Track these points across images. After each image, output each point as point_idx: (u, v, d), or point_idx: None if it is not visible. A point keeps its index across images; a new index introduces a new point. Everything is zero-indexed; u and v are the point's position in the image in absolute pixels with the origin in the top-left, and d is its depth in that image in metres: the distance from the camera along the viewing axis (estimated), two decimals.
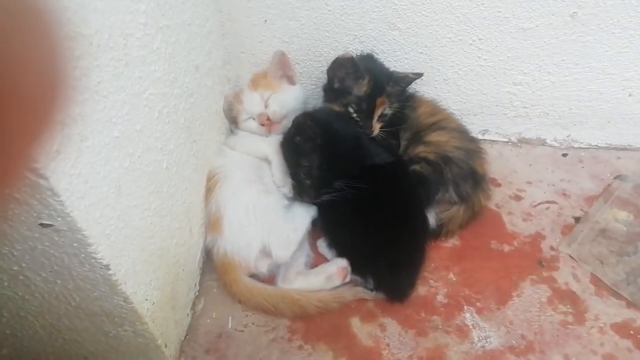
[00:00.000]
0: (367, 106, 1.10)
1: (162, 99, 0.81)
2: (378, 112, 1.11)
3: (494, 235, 1.20)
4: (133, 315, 0.74)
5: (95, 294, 0.69)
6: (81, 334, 0.79)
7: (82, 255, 0.61)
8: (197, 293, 1.06)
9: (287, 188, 1.09)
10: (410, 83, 1.17)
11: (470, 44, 1.15)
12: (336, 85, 1.12)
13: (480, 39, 1.14)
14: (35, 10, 0.22)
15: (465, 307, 1.06)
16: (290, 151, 1.04)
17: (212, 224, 1.06)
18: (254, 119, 1.16)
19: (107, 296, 0.69)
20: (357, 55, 1.13)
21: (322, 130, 0.99)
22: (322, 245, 1.14)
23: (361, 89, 1.10)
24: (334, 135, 1.02)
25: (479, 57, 1.18)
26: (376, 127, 1.11)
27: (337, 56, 1.10)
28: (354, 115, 1.10)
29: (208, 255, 1.10)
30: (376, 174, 1.03)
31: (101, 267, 0.63)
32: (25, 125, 0.23)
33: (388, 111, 1.13)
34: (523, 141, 1.37)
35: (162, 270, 0.84)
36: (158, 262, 0.82)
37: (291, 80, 1.21)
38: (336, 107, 1.12)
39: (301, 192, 1.03)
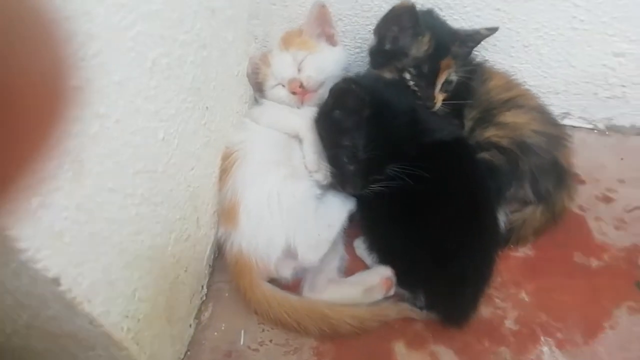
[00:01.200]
0: (429, 70, 0.86)
1: (159, 44, 0.59)
2: (442, 78, 0.87)
3: (578, 245, 0.95)
4: (105, 339, 0.53)
5: (49, 313, 0.48)
6: (43, 356, 0.59)
7: (14, 265, 0.40)
8: (203, 298, 0.85)
9: (320, 174, 0.86)
10: (480, 41, 0.93)
11: None
12: (387, 45, 0.89)
13: None
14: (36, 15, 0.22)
15: (542, 338, 0.82)
16: (328, 128, 0.81)
17: (227, 213, 0.85)
18: (283, 85, 0.94)
19: (64, 317, 0.49)
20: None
21: (370, 100, 0.76)
22: (360, 246, 0.91)
23: (421, 48, 0.86)
24: (384, 105, 0.79)
25: (574, 17, 0.91)
26: (439, 99, 0.87)
27: (392, 7, 0.86)
28: (411, 82, 0.87)
29: (220, 251, 0.89)
30: (437, 156, 0.80)
31: (46, 282, 0.42)
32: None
33: (453, 77, 0.89)
34: (613, 129, 1.11)
35: (154, 274, 0.63)
36: (147, 265, 0.61)
37: (331, 40, 0.97)
38: (388, 74, 0.88)
39: (343, 180, 0.81)
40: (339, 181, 0.81)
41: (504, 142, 0.89)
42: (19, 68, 0.21)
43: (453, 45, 0.89)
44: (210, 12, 0.75)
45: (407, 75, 0.86)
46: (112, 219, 0.53)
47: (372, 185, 0.78)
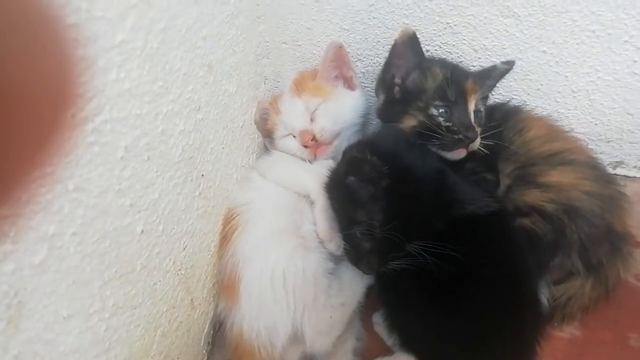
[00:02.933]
0: (456, 94, 0.73)
1: (135, 125, 0.49)
2: (472, 103, 0.74)
3: (634, 324, 0.81)
4: None
5: None
6: None
7: None
8: None
9: (334, 243, 0.75)
10: (499, 77, 0.81)
11: (626, 41, 0.76)
12: (398, 94, 0.77)
13: None
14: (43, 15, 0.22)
15: None
16: (341, 198, 0.70)
17: (227, 287, 0.75)
18: (294, 136, 0.83)
19: None
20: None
21: (389, 167, 0.64)
22: (378, 322, 0.80)
23: (436, 77, 0.74)
24: (407, 172, 0.66)
25: (635, 61, 0.78)
26: (477, 130, 0.74)
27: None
28: (441, 118, 0.73)
29: (222, 324, 0.79)
30: (468, 231, 0.68)
31: None
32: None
33: (481, 107, 0.76)
34: None
35: None
36: None
37: (349, 84, 0.86)
38: (411, 121, 0.76)
39: (357, 259, 0.69)
40: (353, 259, 0.70)
41: (549, 208, 0.76)
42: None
43: (468, 75, 0.77)
44: (207, 68, 0.65)
45: (435, 111, 0.73)
46: (70, 350, 0.43)
47: (391, 264, 0.67)
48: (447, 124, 0.73)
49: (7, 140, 0.22)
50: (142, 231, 0.53)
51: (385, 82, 0.79)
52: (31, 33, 0.22)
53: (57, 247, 0.40)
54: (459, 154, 0.77)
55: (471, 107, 0.75)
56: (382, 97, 0.80)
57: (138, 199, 0.52)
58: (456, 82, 0.74)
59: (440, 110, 0.74)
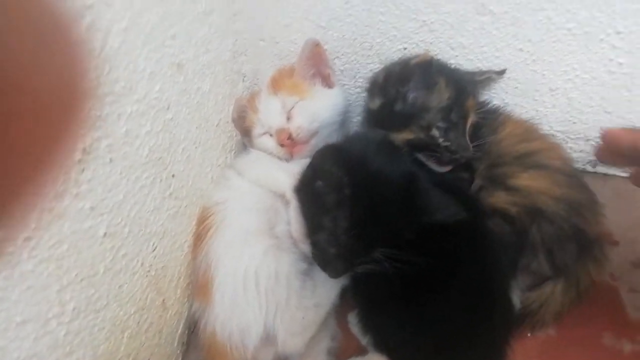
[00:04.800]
0: (458, 117, 0.74)
1: (94, 126, 0.48)
2: (470, 120, 0.75)
3: (608, 323, 0.81)
4: None
5: None
6: None
7: None
8: None
9: (307, 245, 0.74)
10: (487, 85, 0.82)
11: (602, 39, 0.75)
12: (399, 106, 0.75)
13: (618, 33, 0.74)
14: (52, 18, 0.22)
15: None
16: (308, 202, 0.69)
17: (200, 287, 0.74)
18: (271, 135, 0.83)
19: None
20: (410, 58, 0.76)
21: (353, 174, 0.63)
22: (354, 322, 0.80)
23: (442, 97, 0.73)
24: (372, 179, 0.65)
25: (612, 59, 0.77)
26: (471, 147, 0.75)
27: (402, 60, 0.74)
28: (441, 139, 0.74)
29: (197, 325, 0.79)
30: (438, 238, 0.67)
31: None
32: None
33: (474, 118, 0.77)
34: None
35: None
36: None
37: (327, 81, 0.86)
38: (409, 136, 0.75)
39: (324, 263, 0.69)
40: (319, 263, 0.69)
41: (512, 211, 0.76)
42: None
43: (469, 84, 0.77)
44: (176, 67, 0.64)
45: (437, 133, 0.74)
46: (26, 356, 0.43)
47: (358, 268, 0.66)
48: (446, 144, 0.74)
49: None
50: (105, 234, 0.52)
51: (385, 91, 0.78)
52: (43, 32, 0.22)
53: (7, 253, 0.39)
54: (446, 168, 0.77)
55: (469, 124, 0.76)
56: (377, 102, 0.79)
57: (100, 202, 0.51)
58: (460, 101, 0.74)
59: (441, 133, 0.74)
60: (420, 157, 0.77)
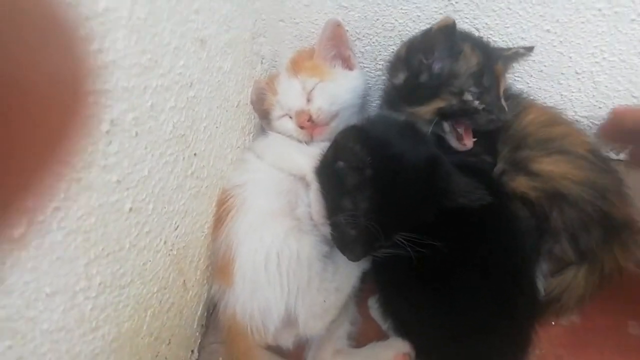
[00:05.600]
0: (490, 80, 0.73)
1: (122, 98, 0.47)
2: (502, 85, 0.75)
3: (634, 312, 0.80)
4: None
5: None
6: None
7: None
8: None
9: (328, 226, 0.73)
10: (514, 61, 0.81)
11: (633, 19, 0.73)
12: (424, 77, 0.74)
13: None
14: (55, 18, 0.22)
15: None
16: (329, 183, 0.68)
17: (221, 269, 0.74)
18: (290, 117, 0.81)
19: None
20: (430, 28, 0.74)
21: (376, 155, 0.62)
22: (374, 307, 0.79)
23: (470, 62, 0.72)
24: (395, 161, 0.64)
25: None
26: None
27: (422, 32, 0.72)
28: (476, 102, 0.73)
29: (215, 307, 0.78)
30: (461, 223, 0.66)
31: None
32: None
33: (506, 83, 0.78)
34: None
35: None
36: (111, 359, 0.51)
37: (348, 63, 0.84)
38: (440, 104, 0.74)
39: (343, 245, 0.67)
40: (338, 245, 0.68)
41: (531, 195, 0.74)
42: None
43: (495, 51, 0.77)
44: (199, 43, 0.63)
45: (470, 97, 0.73)
46: (55, 328, 0.42)
47: (378, 252, 0.65)
48: (482, 106, 0.73)
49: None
50: (131, 209, 0.52)
51: (409, 64, 0.76)
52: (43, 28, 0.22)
53: (37, 221, 0.39)
54: (465, 145, 0.76)
55: (502, 88, 0.75)
56: (401, 77, 0.78)
57: (126, 175, 0.50)
58: (489, 64, 0.73)
59: (475, 96, 0.73)
60: (445, 131, 0.76)
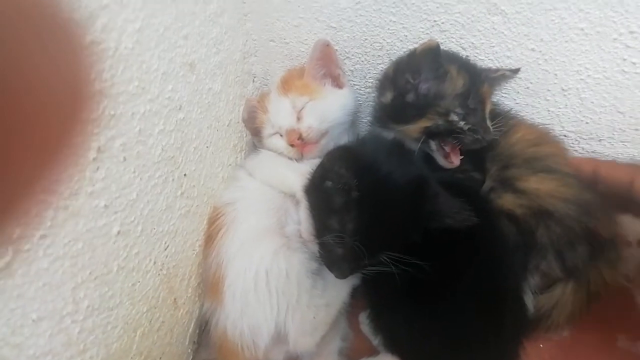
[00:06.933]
0: (476, 102, 0.75)
1: (108, 126, 0.49)
2: (488, 107, 0.76)
3: (623, 326, 0.81)
4: None
5: None
6: None
7: None
8: None
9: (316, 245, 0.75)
10: (501, 82, 0.82)
11: (615, 39, 0.74)
12: (411, 97, 0.75)
13: (631, 32, 0.73)
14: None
15: None
16: (317, 202, 0.69)
17: (211, 287, 0.75)
18: (281, 135, 0.83)
19: None
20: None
21: (362, 177, 0.63)
22: (365, 322, 0.80)
23: (457, 84, 0.73)
24: (381, 183, 0.65)
25: (625, 59, 0.76)
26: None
27: (407, 52, 0.74)
28: (461, 123, 0.74)
29: (207, 324, 0.79)
30: (449, 241, 0.67)
31: None
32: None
33: (492, 106, 0.79)
34: None
35: None
36: None
37: (337, 82, 0.86)
38: (426, 124, 0.75)
39: (330, 264, 0.69)
40: (326, 264, 0.69)
41: (518, 212, 0.75)
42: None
43: (482, 72, 0.78)
44: (188, 67, 0.64)
45: (455, 117, 0.74)
46: (42, 353, 0.43)
47: (366, 270, 0.66)
48: (468, 126, 0.75)
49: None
50: (119, 232, 0.53)
51: (396, 83, 0.78)
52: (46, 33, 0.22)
53: (23, 250, 0.40)
54: (452, 163, 0.77)
55: (487, 109, 0.77)
56: (389, 96, 0.79)
57: (114, 200, 0.51)
58: (475, 87, 0.75)
59: (460, 117, 0.75)
60: (432, 149, 0.77)
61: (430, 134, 0.77)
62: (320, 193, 0.67)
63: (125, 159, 0.52)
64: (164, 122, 0.60)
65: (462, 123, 0.74)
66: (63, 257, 0.45)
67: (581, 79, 0.81)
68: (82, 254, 0.47)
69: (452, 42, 0.81)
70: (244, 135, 0.89)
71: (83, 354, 0.49)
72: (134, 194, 0.55)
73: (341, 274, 0.67)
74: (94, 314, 0.50)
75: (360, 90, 0.92)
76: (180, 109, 0.63)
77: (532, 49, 0.79)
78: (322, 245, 0.68)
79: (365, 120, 0.95)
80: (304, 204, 0.76)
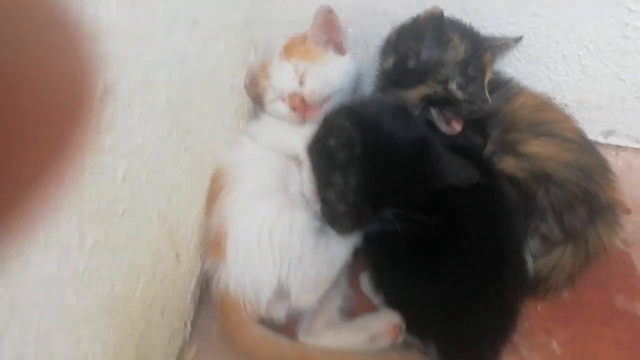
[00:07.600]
0: (476, 70, 0.75)
1: (114, 65, 0.49)
2: (488, 75, 0.77)
3: (621, 287, 0.82)
4: None
5: None
6: None
7: None
8: (186, 338, 0.77)
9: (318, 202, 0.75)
10: (503, 51, 0.83)
11: (618, 3, 0.75)
12: (412, 62, 0.76)
13: None
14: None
15: None
16: (320, 160, 0.70)
17: (214, 245, 0.76)
18: (283, 99, 0.83)
19: None
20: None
21: (366, 133, 0.64)
22: (365, 282, 0.81)
23: (458, 51, 0.74)
24: (385, 140, 0.66)
25: (628, 23, 0.77)
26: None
27: (411, 18, 0.74)
28: (459, 92, 0.75)
29: (209, 283, 0.80)
30: (450, 201, 0.68)
31: None
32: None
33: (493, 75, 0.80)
34: None
35: (115, 327, 0.55)
36: (104, 319, 0.53)
37: (339, 49, 0.86)
38: (425, 91, 0.76)
39: (332, 220, 0.70)
40: (327, 220, 0.70)
41: (519, 175, 0.77)
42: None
43: (486, 41, 0.79)
44: (192, 22, 0.65)
45: (454, 86, 0.75)
46: (45, 280, 0.44)
47: (367, 227, 0.67)
48: (465, 96, 0.75)
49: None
50: (124, 177, 0.53)
51: (398, 49, 0.78)
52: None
53: None
54: (454, 129, 0.78)
55: (487, 79, 0.77)
56: (390, 61, 0.80)
57: (118, 142, 0.52)
58: (477, 55, 0.75)
59: (459, 86, 0.76)
60: (432, 115, 0.78)
61: (430, 101, 0.78)
62: (323, 151, 0.68)
63: (130, 104, 0.53)
64: (168, 73, 0.60)
65: (459, 93, 0.75)
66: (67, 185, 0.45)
67: (583, 45, 0.82)
68: (88, 187, 0.48)
69: (456, 7, 0.82)
70: (246, 101, 0.90)
71: (88, 289, 0.50)
72: (138, 141, 0.56)
73: (342, 230, 0.68)
74: (97, 253, 0.51)
75: (362, 57, 0.93)
76: (184, 62, 0.64)
77: (535, 14, 0.80)
78: (324, 201, 0.69)
79: (368, 90, 0.95)
80: (306, 164, 0.77)
